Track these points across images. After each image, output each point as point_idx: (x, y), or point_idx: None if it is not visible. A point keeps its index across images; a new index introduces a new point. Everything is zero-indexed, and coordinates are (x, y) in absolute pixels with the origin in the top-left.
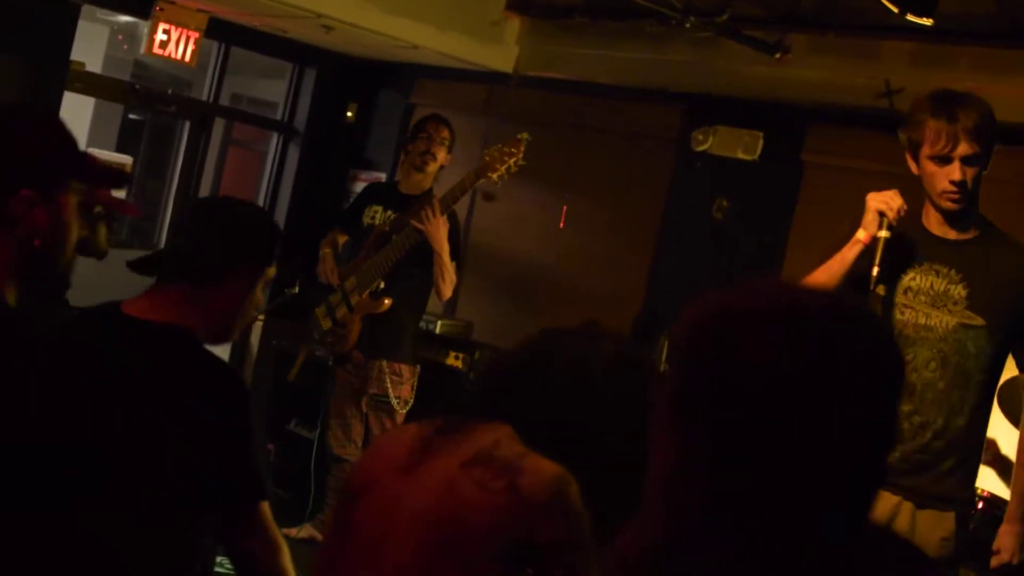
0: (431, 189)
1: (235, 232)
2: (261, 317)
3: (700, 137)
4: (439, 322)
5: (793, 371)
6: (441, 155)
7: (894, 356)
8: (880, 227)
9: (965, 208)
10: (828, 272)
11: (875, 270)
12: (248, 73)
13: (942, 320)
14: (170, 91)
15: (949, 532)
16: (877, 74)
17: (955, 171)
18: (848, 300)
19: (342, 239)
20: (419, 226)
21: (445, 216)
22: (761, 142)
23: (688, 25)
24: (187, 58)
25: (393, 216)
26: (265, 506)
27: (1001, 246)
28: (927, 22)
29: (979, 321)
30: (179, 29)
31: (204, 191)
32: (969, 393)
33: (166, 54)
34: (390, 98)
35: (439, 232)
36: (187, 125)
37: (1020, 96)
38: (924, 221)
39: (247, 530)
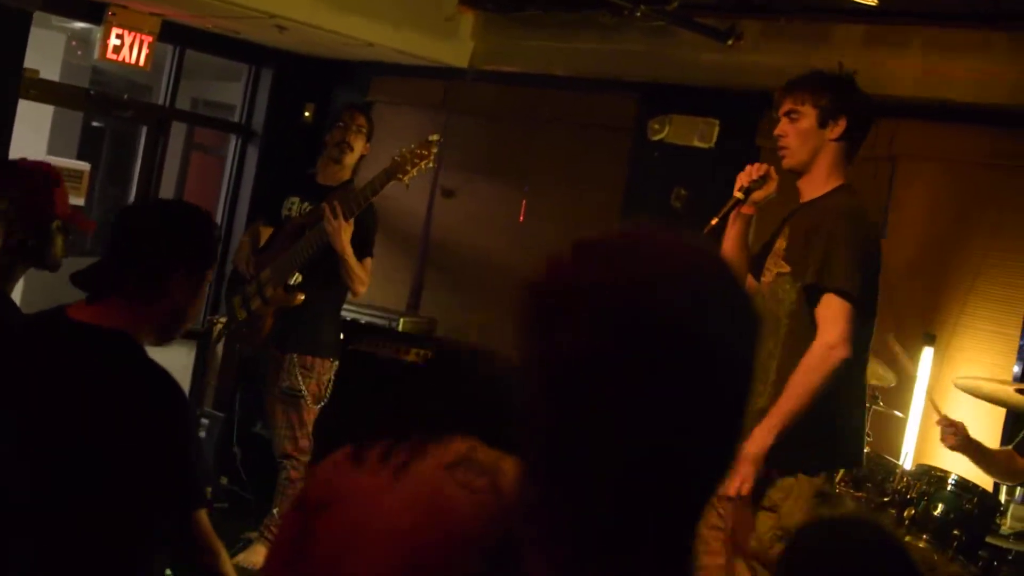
0: (351, 180)
1: (163, 242)
2: (222, 320)
3: (656, 126)
4: (402, 320)
5: (603, 342)
6: (359, 145)
7: (735, 315)
8: (738, 190)
9: (796, 164)
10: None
11: (713, 220)
12: (208, 77)
13: (769, 274)
14: (126, 96)
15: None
16: (830, 57)
17: (777, 126)
18: (702, 261)
19: (265, 231)
20: (325, 226)
21: (350, 221)
22: (717, 129)
23: (639, 14)
24: (141, 62)
25: (309, 208)
26: (203, 514)
27: (827, 200)
28: (872, 2)
29: (786, 268)
30: (132, 33)
31: (166, 196)
32: (778, 339)
33: (120, 59)
34: (347, 97)
35: (340, 235)
36: (144, 130)
37: (971, 76)
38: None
39: (186, 538)
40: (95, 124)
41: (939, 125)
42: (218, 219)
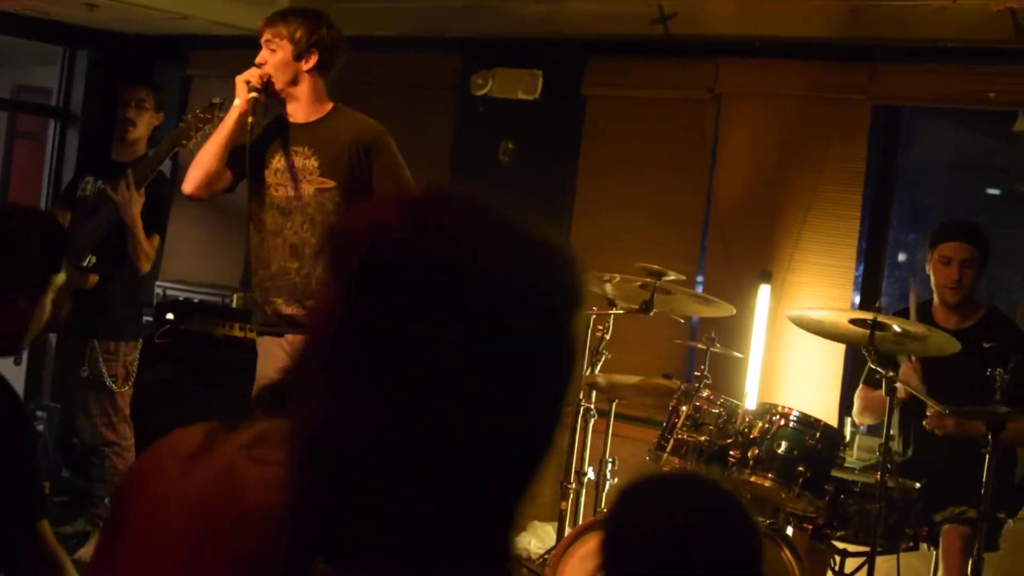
0: (147, 153)
1: (6, 252)
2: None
3: (480, 81)
4: (235, 295)
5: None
6: (143, 120)
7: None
8: (249, 92)
9: (281, 91)
10: (212, 143)
11: (250, 120)
12: (28, 62)
13: (306, 190)
14: None
15: None
16: (650, 0)
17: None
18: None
19: (63, 214)
20: (114, 196)
21: (141, 190)
22: (541, 81)
23: None
24: None
25: (103, 186)
26: (44, 525)
27: (345, 119)
28: None
29: (330, 184)
30: None
31: None
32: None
33: None
34: (166, 72)
35: (129, 206)
36: None
37: (789, 11)
38: (285, 113)
39: (26, 553)
40: None
41: (760, 61)
42: (42, 205)
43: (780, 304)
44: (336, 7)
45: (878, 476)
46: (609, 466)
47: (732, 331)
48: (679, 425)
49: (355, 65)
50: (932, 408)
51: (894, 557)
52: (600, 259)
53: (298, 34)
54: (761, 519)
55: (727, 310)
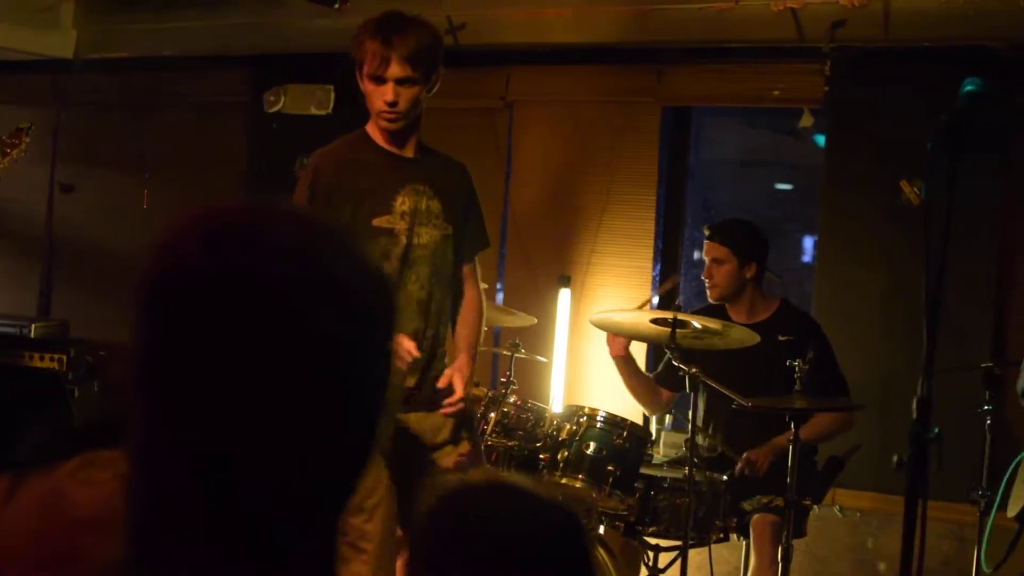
0: None
1: None
2: None
3: (272, 98)
4: (33, 325)
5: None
6: None
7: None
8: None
9: (404, 127)
10: None
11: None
12: None
13: (432, 236)
14: None
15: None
16: (439, 12)
17: (388, 92)
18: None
19: None
20: None
21: None
22: (332, 95)
23: None
24: None
25: None
26: None
27: (440, 154)
28: None
29: (450, 230)
30: None
31: None
32: (449, 297)
33: None
34: None
35: None
36: None
37: (575, 17)
38: (378, 142)
39: None
40: None
41: (551, 68)
42: None
43: (581, 307)
44: (120, 28)
45: (686, 471)
46: None
47: (536, 336)
48: (488, 431)
49: (145, 86)
50: (737, 402)
51: (706, 549)
52: None
53: (434, 67)
54: None
55: (528, 320)
